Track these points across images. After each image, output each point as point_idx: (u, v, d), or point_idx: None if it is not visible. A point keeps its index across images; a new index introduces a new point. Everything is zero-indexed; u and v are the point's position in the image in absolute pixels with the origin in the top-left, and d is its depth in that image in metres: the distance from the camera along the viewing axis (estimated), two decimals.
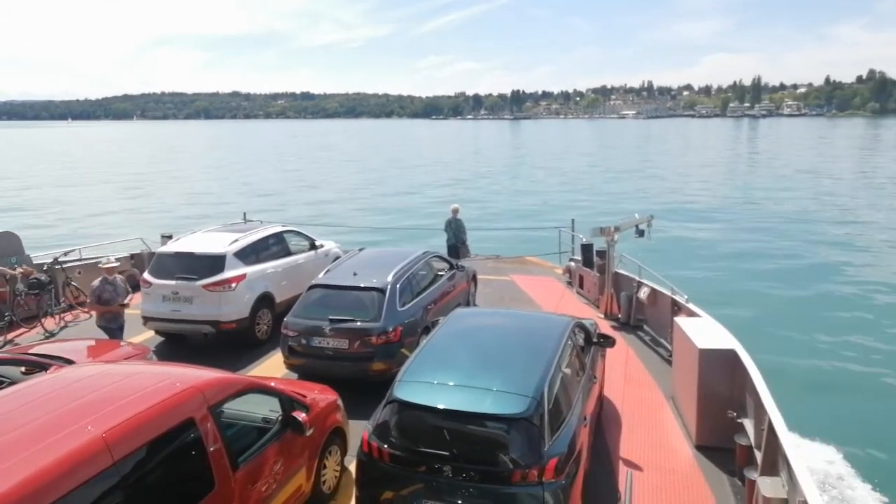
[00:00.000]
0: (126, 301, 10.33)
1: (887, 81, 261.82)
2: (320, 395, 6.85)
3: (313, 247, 13.67)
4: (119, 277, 10.39)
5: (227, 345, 11.12)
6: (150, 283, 11.20)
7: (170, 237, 14.06)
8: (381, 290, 9.47)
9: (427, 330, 9.21)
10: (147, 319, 11.28)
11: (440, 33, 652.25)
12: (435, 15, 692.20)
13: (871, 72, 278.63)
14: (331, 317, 9.24)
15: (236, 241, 11.64)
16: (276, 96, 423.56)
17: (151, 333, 11.67)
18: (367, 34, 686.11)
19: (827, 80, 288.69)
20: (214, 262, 11.05)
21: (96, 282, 10.15)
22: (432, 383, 5.77)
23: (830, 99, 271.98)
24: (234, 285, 10.99)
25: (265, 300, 11.63)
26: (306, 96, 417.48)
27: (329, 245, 14.37)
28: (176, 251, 11.42)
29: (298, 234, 13.74)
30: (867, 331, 16.55)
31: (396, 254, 11.12)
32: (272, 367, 10.28)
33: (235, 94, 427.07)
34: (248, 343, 11.26)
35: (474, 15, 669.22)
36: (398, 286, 9.68)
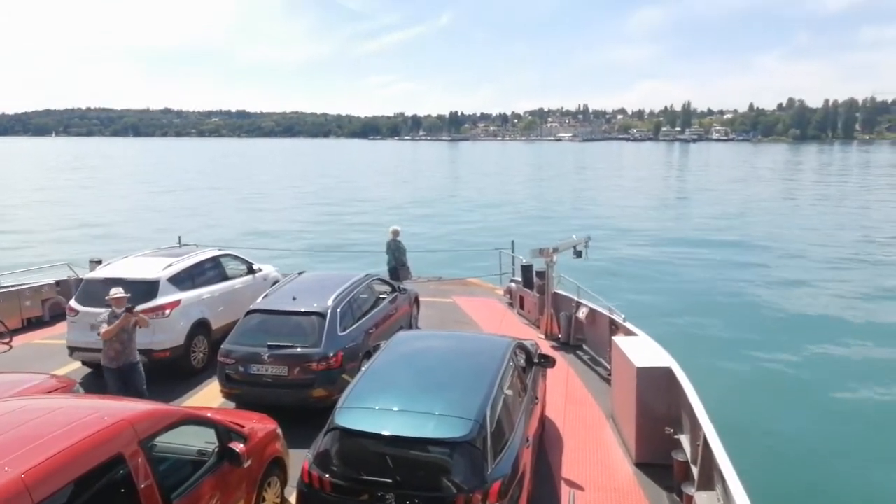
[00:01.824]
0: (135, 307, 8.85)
1: (806, 109, 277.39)
2: (259, 425, 6.66)
3: (251, 271, 13.40)
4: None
5: (161, 374, 10.69)
6: (76, 312, 10.74)
7: (99, 262, 13.53)
8: (322, 315, 9.33)
9: (369, 354, 9.08)
10: (73, 350, 10.79)
11: (382, 54, 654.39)
12: (376, 35, 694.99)
13: (791, 100, 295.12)
14: (269, 343, 9.04)
15: (170, 265, 11.31)
16: (210, 114, 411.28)
17: (78, 365, 11.15)
18: (307, 53, 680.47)
19: (751, 107, 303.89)
20: (147, 288, 10.68)
21: (104, 314, 8.84)
22: (374, 409, 5.70)
23: (755, 125, 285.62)
24: (167, 312, 10.65)
25: (201, 327, 11.30)
26: (242, 114, 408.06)
27: (268, 269, 14.11)
28: (105, 277, 10.97)
29: (236, 258, 13.45)
30: (797, 344, 17.28)
31: (337, 277, 10.99)
32: (209, 396, 9.96)
33: (167, 111, 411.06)
34: (183, 372, 10.88)
35: (416, 36, 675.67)
36: (339, 310, 9.56)
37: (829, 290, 23.34)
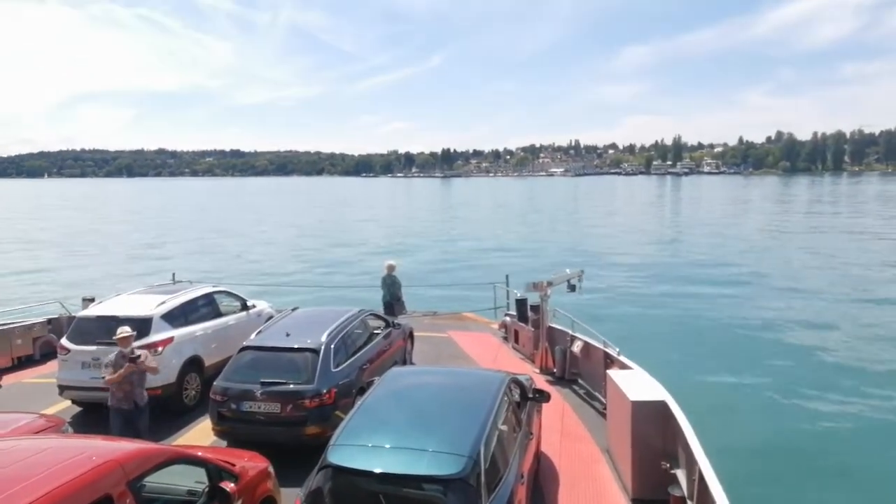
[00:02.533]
0: (139, 357, 8.69)
1: (795, 142, 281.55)
2: (250, 463, 6.58)
3: (245, 307, 13.35)
4: (142, 351, 9.03)
5: (152, 412, 10.57)
6: (67, 350, 10.67)
7: (92, 300, 13.47)
8: (315, 351, 9.28)
9: (362, 391, 9.03)
10: (63, 388, 10.68)
11: (373, 94, 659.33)
12: (369, 76, 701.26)
13: (779, 133, 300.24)
14: (262, 380, 8.96)
15: (164, 303, 11.27)
16: (204, 154, 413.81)
17: (68, 404, 11.02)
18: (300, 93, 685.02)
19: (740, 141, 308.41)
20: (140, 326, 10.59)
21: (111, 356, 8.76)
22: (367, 446, 5.63)
23: (746, 158, 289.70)
24: (160, 349, 10.56)
25: (193, 364, 11.22)
26: (236, 154, 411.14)
27: (261, 305, 14.07)
28: (98, 315, 10.94)
29: (229, 294, 13.41)
30: (794, 378, 17.20)
31: (331, 313, 10.95)
32: (200, 434, 9.83)
33: (161, 152, 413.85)
34: (174, 410, 10.76)
35: (408, 76, 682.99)
36: (332, 346, 9.50)
37: (827, 325, 23.30)
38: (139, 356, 8.76)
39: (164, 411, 10.59)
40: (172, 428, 10.21)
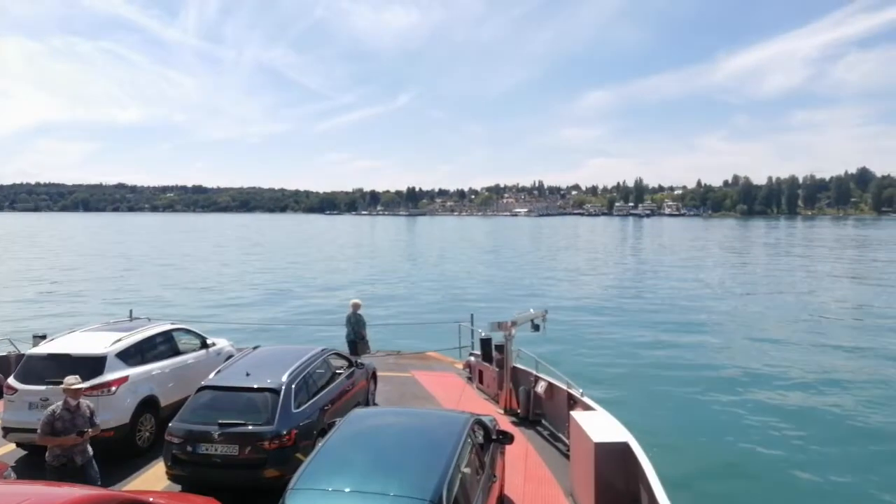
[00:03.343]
0: (87, 430, 7.89)
1: (751, 186, 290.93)
2: None
3: (204, 345, 13.07)
4: (85, 403, 8.06)
5: (103, 455, 10.16)
6: (15, 390, 10.25)
7: (43, 337, 13.01)
8: (275, 391, 9.09)
9: (324, 432, 8.85)
10: (8, 431, 10.21)
11: (340, 132, 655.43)
12: (335, 114, 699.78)
13: (736, 177, 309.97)
14: (220, 421, 8.71)
15: (119, 340, 10.97)
16: (165, 189, 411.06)
17: (12, 447, 10.54)
18: (266, 130, 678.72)
19: (699, 184, 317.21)
20: (93, 364, 10.28)
21: (55, 406, 7.81)
22: (327, 490, 5.51)
23: (705, 200, 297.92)
24: (114, 389, 10.23)
25: (149, 404, 10.87)
26: (198, 189, 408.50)
27: (222, 343, 13.80)
28: (49, 353, 10.56)
29: (189, 332, 13.12)
30: (755, 418, 17.39)
31: (292, 352, 10.78)
32: (153, 478, 9.47)
33: (121, 186, 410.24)
34: (127, 452, 10.37)
35: (374, 115, 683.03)
36: (293, 386, 9.33)
37: (787, 364, 23.72)
38: (87, 430, 7.87)
39: (116, 454, 10.21)
40: (124, 472, 9.82)
